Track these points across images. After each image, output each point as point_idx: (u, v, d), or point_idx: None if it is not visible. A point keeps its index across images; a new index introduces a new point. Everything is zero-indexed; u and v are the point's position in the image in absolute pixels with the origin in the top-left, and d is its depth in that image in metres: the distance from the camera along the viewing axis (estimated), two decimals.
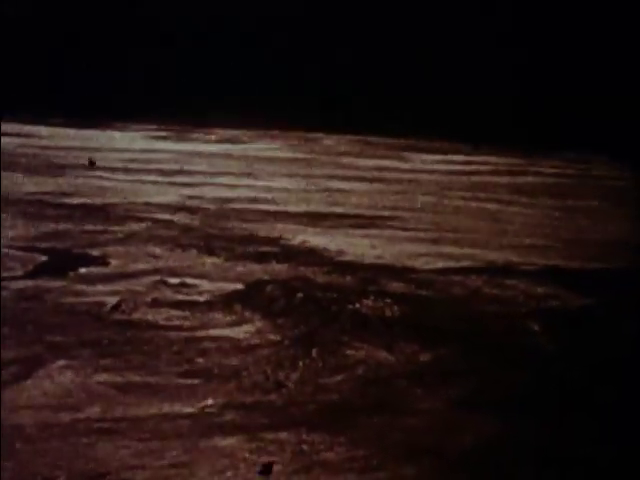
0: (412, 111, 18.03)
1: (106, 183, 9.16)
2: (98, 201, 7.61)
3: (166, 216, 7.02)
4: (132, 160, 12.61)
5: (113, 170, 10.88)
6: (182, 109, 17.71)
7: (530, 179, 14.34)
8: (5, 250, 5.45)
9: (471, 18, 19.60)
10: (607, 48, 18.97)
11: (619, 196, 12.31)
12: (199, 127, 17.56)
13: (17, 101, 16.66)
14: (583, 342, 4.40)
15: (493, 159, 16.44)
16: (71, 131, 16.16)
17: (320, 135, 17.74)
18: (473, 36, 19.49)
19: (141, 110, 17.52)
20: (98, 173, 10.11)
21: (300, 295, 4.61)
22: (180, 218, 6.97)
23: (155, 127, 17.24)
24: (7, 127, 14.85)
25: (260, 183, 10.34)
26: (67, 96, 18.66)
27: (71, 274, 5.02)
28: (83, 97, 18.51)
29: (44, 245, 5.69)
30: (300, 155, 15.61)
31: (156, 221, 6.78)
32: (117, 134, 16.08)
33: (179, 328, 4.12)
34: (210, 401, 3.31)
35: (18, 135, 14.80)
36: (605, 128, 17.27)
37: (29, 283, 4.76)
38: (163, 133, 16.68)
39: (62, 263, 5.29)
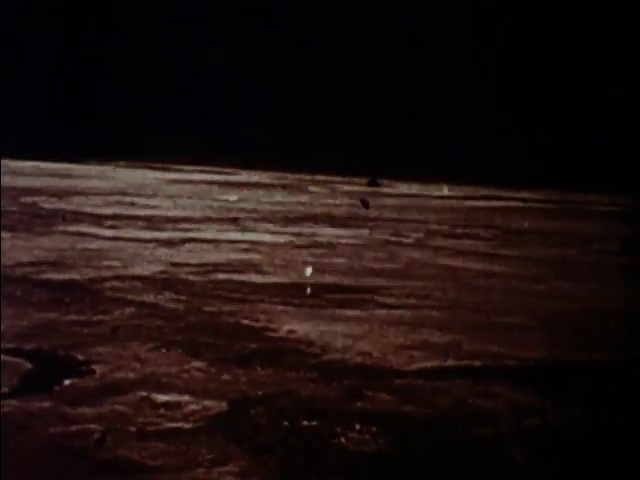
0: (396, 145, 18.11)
1: (92, 243, 9.18)
2: (84, 275, 7.63)
3: (151, 297, 7.04)
4: (118, 202, 12.63)
5: (99, 220, 10.89)
6: (170, 142, 17.82)
7: (517, 217, 14.37)
8: None
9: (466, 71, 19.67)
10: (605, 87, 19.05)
11: (614, 241, 12.25)
12: (189, 162, 17.60)
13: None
14: (567, 473, 4.43)
15: (479, 192, 16.51)
16: (54, 165, 16.18)
17: (310, 171, 17.79)
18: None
19: (129, 141, 17.60)
20: (83, 228, 10.13)
21: (285, 424, 4.63)
22: (165, 300, 6.99)
23: (143, 159, 17.27)
24: None
25: (245, 237, 10.37)
26: (53, 128, 18.70)
27: (57, 388, 5.03)
28: (70, 130, 18.55)
29: (30, 346, 5.69)
30: (287, 191, 15.63)
31: (141, 305, 6.80)
32: (101, 168, 16.09)
33: (164, 469, 4.14)
34: None
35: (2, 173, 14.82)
36: (599, 161, 17.35)
37: (15, 404, 4.76)
38: (153, 165, 16.70)
39: (48, 372, 5.30)
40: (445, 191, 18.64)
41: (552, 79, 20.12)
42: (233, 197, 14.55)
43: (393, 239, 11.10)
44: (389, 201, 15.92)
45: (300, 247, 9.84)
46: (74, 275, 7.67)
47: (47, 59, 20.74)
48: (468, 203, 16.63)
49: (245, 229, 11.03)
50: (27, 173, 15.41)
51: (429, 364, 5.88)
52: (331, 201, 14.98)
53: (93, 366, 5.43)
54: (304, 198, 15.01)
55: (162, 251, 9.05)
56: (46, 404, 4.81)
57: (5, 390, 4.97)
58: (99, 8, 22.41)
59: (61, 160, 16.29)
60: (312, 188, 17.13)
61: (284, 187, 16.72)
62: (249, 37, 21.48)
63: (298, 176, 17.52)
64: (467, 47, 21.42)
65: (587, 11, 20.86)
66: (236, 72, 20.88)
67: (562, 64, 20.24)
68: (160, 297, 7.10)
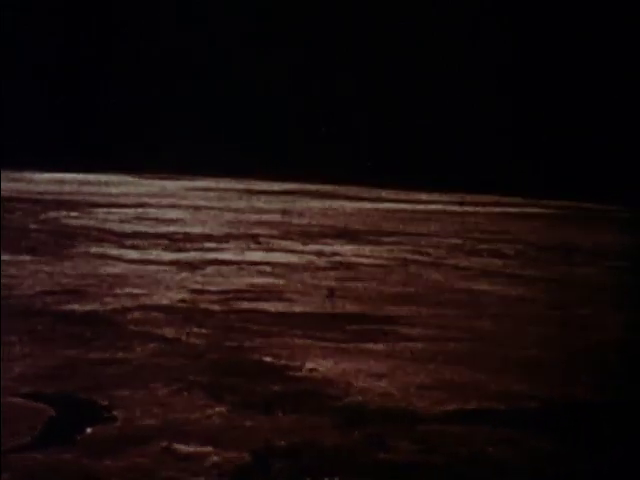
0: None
1: (113, 267, 9.18)
2: (107, 306, 7.63)
3: (172, 331, 7.03)
4: (138, 218, 12.64)
5: (119, 239, 10.90)
6: (171, 145, 17.83)
7: (536, 229, 14.30)
8: (10, 400, 5.42)
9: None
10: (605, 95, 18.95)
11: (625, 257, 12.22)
12: (210, 174, 17.59)
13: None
14: None
15: (493, 199, 16.40)
16: (69, 176, 16.16)
17: (333, 182, 17.74)
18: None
19: (129, 144, 17.62)
20: (102, 249, 10.14)
21: (308, 479, 4.61)
22: (187, 335, 6.97)
23: (159, 170, 17.27)
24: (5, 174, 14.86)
25: (265, 258, 10.36)
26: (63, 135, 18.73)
27: (78, 438, 5.01)
28: (81, 139, 18.59)
29: (50, 389, 5.68)
30: (302, 202, 15.58)
31: (163, 341, 6.79)
32: (119, 178, 16.08)
33: None
34: None
35: (16, 182, 14.82)
36: (603, 173, 17.25)
37: (38, 457, 4.75)
38: (165, 176, 16.69)
39: (69, 418, 5.28)
40: (461, 199, 18.62)
41: (577, 88, 20.04)
42: (253, 208, 14.55)
43: (413, 257, 11.06)
44: (405, 212, 15.89)
45: (321, 269, 9.82)
46: (96, 306, 7.66)
47: (47, 59, 20.78)
48: (483, 211, 16.58)
49: (264, 247, 11.02)
50: (43, 184, 15.42)
51: (451, 407, 5.84)
52: (348, 213, 14.96)
53: (115, 412, 5.41)
54: (318, 210, 14.99)
55: (183, 275, 9.04)
56: (68, 456, 4.79)
57: (26, 440, 4.95)
58: (99, 8, 22.43)
59: (68, 170, 16.26)
60: (322, 199, 17.11)
61: (297, 195, 16.70)
62: (249, 37, 21.42)
63: (303, 186, 17.47)
64: (467, 47, 21.33)
65: (587, 11, 20.74)
66: (236, 72, 20.87)
67: (569, 65, 20.10)
68: (181, 331, 7.09)
